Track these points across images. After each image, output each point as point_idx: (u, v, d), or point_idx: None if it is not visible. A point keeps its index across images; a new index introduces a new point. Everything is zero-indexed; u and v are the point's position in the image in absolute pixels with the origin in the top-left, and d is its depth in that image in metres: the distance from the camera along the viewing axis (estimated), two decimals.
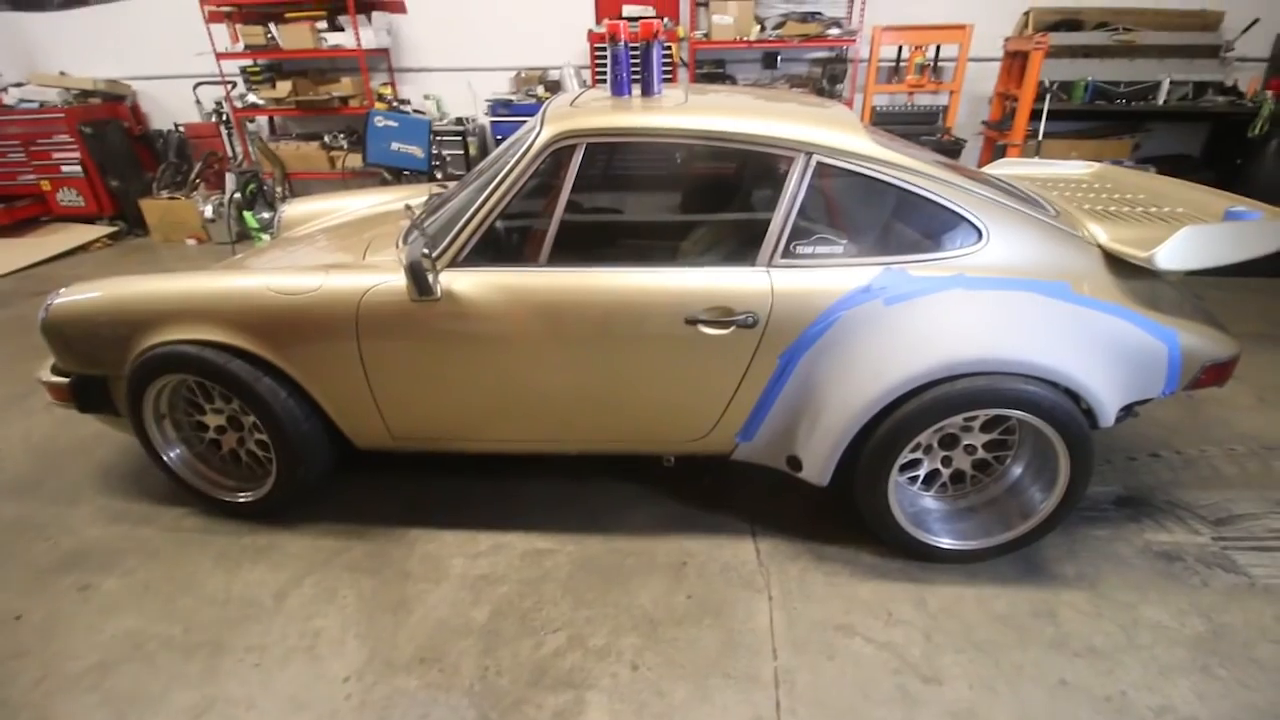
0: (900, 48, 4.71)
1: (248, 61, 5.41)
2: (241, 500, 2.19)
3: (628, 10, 4.89)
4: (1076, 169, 2.82)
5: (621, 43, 1.98)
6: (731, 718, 1.55)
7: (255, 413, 2.01)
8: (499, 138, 4.90)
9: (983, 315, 1.76)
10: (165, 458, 2.17)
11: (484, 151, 5.53)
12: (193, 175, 5.56)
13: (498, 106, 4.76)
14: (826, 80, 4.78)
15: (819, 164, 1.82)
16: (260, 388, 1.97)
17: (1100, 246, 1.91)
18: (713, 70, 5.05)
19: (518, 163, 1.86)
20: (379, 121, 4.48)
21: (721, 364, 1.88)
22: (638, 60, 2.02)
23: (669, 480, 2.34)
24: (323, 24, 5.14)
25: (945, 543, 1.93)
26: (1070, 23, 4.59)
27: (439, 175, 4.85)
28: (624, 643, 1.75)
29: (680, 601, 1.87)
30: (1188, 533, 2.09)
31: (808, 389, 1.87)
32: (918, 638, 1.75)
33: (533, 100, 4.90)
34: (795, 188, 1.82)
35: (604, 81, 4.89)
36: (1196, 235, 1.77)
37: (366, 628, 1.81)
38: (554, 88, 5.07)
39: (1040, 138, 4.57)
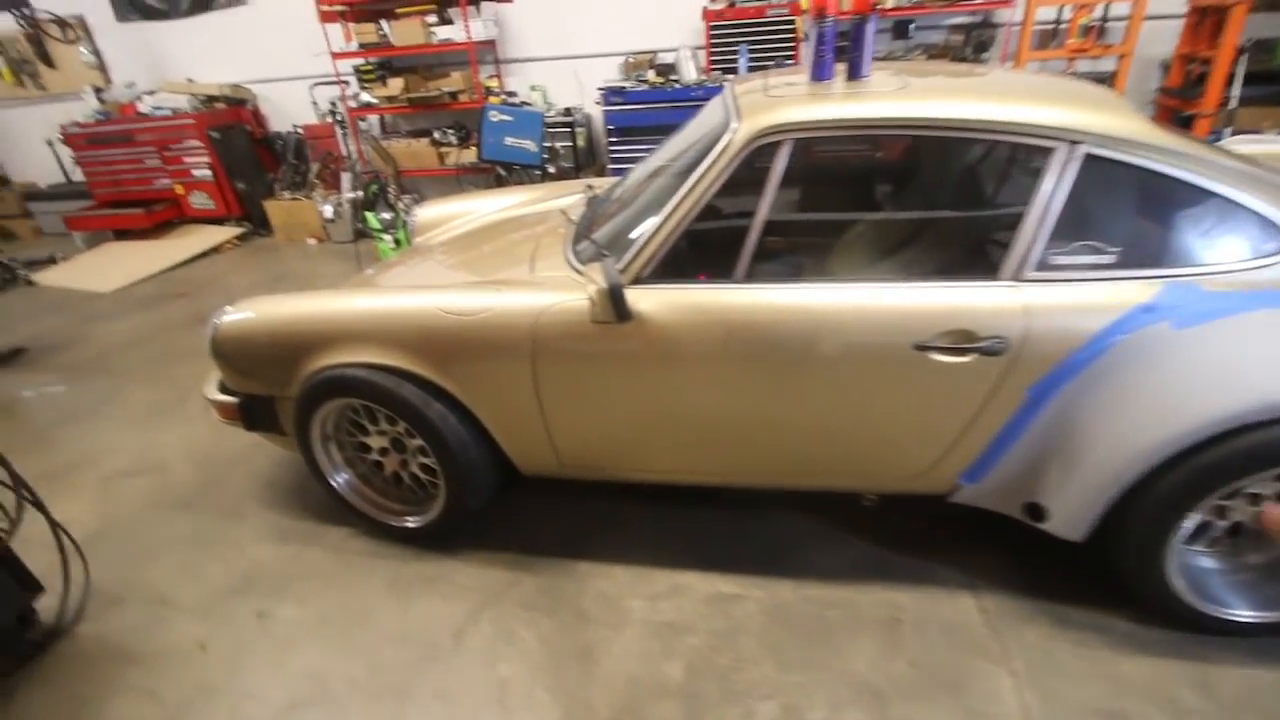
0: (1060, 8, 4.16)
1: (360, 60, 5.44)
2: (410, 525, 2.10)
3: None
4: None
5: (830, 20, 1.71)
6: None
7: (425, 438, 1.90)
8: (610, 128, 4.71)
9: None
10: (333, 482, 2.12)
11: (592, 143, 5.36)
12: (311, 175, 5.68)
13: (610, 95, 4.56)
14: (971, 49, 4.30)
15: (1086, 155, 1.50)
16: (430, 413, 1.85)
17: None
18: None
19: (711, 164, 1.63)
20: (494, 116, 4.37)
21: (954, 395, 1.60)
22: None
23: (852, 516, 2.09)
24: (432, 18, 5.09)
25: (1243, 615, 1.59)
26: None
27: (550, 169, 4.71)
28: (847, 718, 1.53)
29: (902, 669, 1.63)
30: None
31: (1065, 427, 1.56)
32: None
33: (645, 86, 4.67)
34: (1054, 184, 1.51)
35: (722, 65, 4.60)
36: None
37: (554, 679, 1.67)
38: (666, 71, 4.81)
39: (1235, 105, 3.96)
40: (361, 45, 5.23)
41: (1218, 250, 1.52)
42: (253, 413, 2.12)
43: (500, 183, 4.73)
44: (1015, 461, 1.65)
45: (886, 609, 1.79)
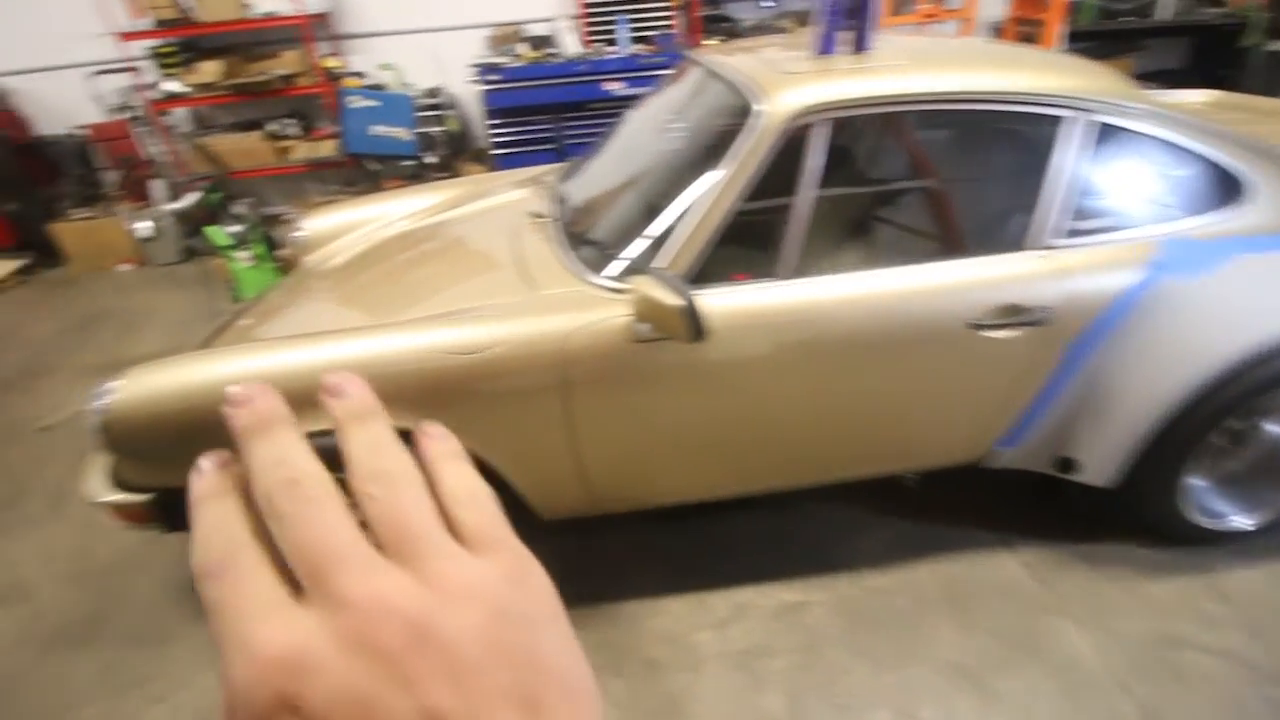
0: None
1: (157, 41, 4.44)
2: None
3: None
4: (1193, 97, 2.70)
5: None
6: None
7: None
8: (490, 109, 4.29)
9: None
10: None
11: (467, 126, 4.88)
12: (110, 187, 4.60)
13: (485, 72, 4.13)
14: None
15: (1097, 123, 1.56)
16: None
17: None
18: (711, 12, 4.60)
19: (750, 150, 1.47)
20: (355, 102, 3.79)
21: (1000, 368, 1.63)
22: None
23: (884, 497, 2.09)
24: None
25: (1236, 522, 1.80)
26: None
27: (428, 159, 4.21)
28: (958, 708, 1.53)
29: (984, 643, 1.66)
30: None
31: (1095, 384, 1.65)
32: (1239, 636, 1.63)
33: (521, 61, 4.29)
34: (1075, 153, 1.56)
35: (603, 38, 4.37)
36: None
37: None
38: (540, 45, 4.46)
39: None
40: (159, 23, 4.27)
41: (1194, 204, 1.66)
42: (175, 509, 1.63)
43: (373, 178, 4.15)
44: (1050, 422, 1.72)
45: (945, 584, 1.82)
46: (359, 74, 4.68)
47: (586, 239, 1.72)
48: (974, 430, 1.74)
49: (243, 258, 3.83)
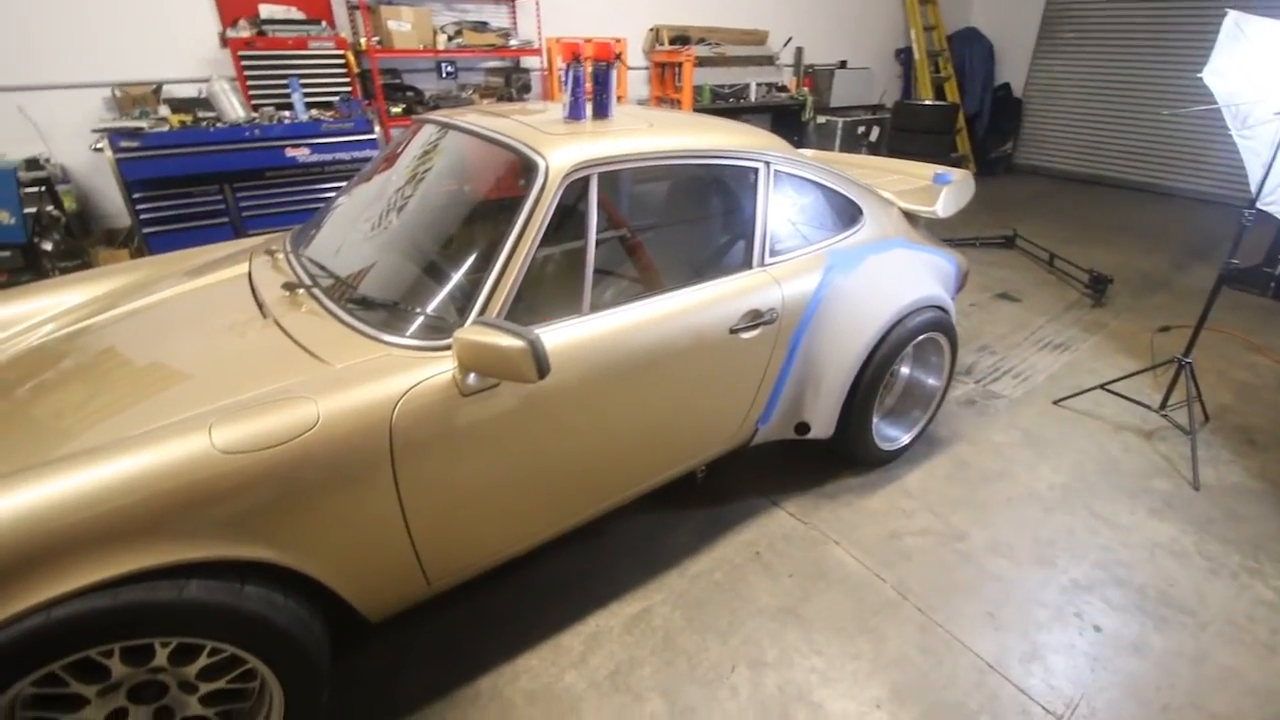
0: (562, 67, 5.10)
1: None
2: None
3: (265, 10, 4.05)
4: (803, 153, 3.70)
5: (581, 64, 1.84)
6: (905, 636, 1.84)
7: (244, 647, 1.29)
8: (130, 180, 3.51)
9: (905, 269, 2.33)
10: None
11: (85, 203, 3.90)
12: None
13: (119, 139, 3.38)
14: (516, 90, 4.87)
15: (776, 171, 2.09)
16: (248, 605, 1.28)
17: (899, 208, 2.69)
18: (390, 81, 4.58)
19: (535, 201, 1.59)
20: None
21: (754, 360, 2.03)
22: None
23: (673, 497, 2.36)
24: None
25: (903, 439, 2.53)
26: (683, 38, 5.69)
27: (46, 245, 3.26)
28: (789, 640, 1.83)
29: (789, 584, 2.01)
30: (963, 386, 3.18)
31: (809, 361, 2.17)
32: (928, 516, 2.30)
33: (167, 127, 3.65)
34: (766, 192, 2.06)
35: (271, 100, 4.00)
36: (950, 192, 2.67)
37: None
38: (187, 108, 3.85)
39: None
40: None
41: (839, 225, 2.33)
42: None
43: None
44: (788, 396, 2.20)
45: (745, 548, 2.15)
46: None
47: (369, 303, 1.62)
48: (743, 416, 2.12)
49: None
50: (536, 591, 1.98)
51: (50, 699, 1.22)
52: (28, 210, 3.13)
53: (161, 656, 1.27)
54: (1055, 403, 3.03)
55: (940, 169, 3.02)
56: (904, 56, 7.80)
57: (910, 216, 2.69)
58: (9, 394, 1.53)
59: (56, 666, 1.16)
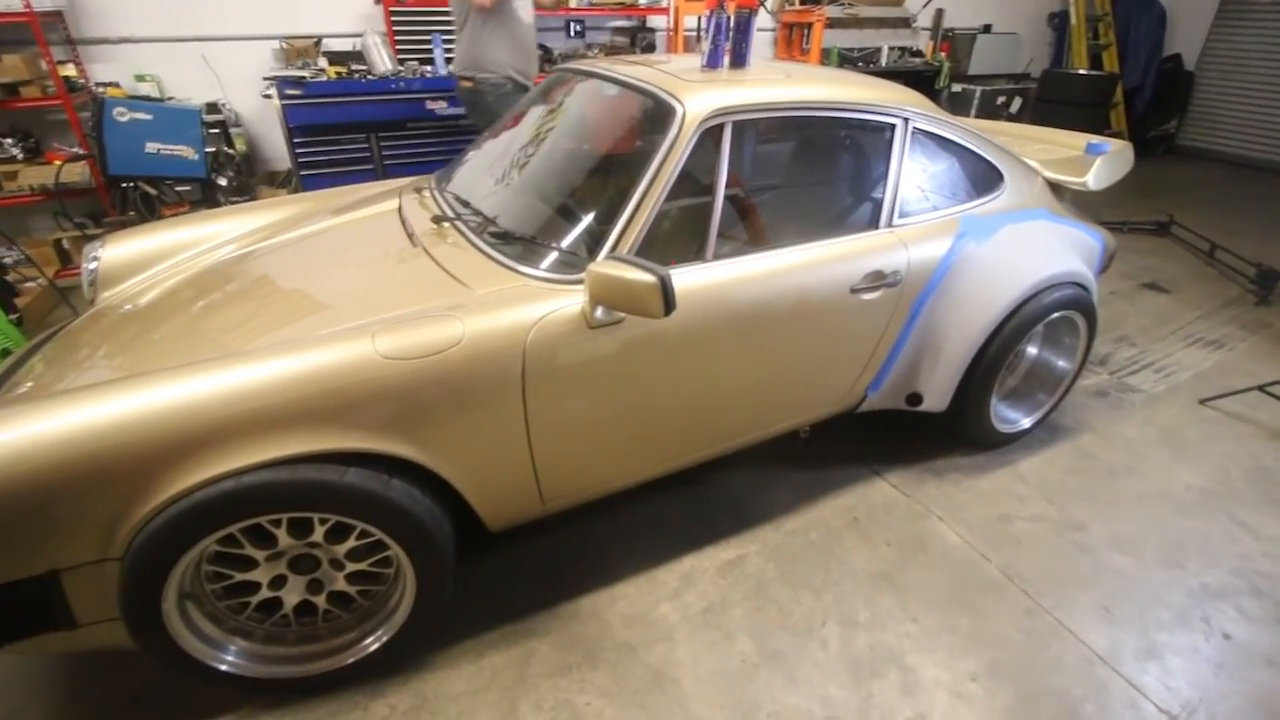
0: (699, 17, 5.04)
1: None
2: (372, 649, 1.58)
3: None
4: None
5: (724, 12, 1.85)
6: (1008, 618, 1.79)
7: (388, 532, 1.46)
8: (292, 125, 3.88)
9: (1045, 241, 2.19)
10: (220, 666, 1.45)
11: (251, 146, 4.34)
12: None
13: (286, 85, 3.74)
14: (640, 49, 4.89)
15: (915, 129, 2.01)
16: (394, 495, 1.43)
17: (1044, 178, 2.50)
18: None
19: (670, 146, 1.63)
20: (122, 115, 3.17)
21: (872, 323, 2.00)
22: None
23: (775, 455, 2.38)
24: None
25: (1023, 423, 2.40)
26: None
27: (222, 180, 3.68)
28: (883, 605, 1.82)
29: (884, 552, 2.00)
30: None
31: (930, 330, 2.10)
32: (1043, 503, 2.19)
33: (325, 77, 3.97)
34: (901, 150, 1.99)
35: (415, 55, 4.24)
36: (1104, 162, 2.45)
37: (649, 714, 1.54)
38: (343, 60, 4.17)
39: None
40: None
41: (976, 190, 2.21)
42: (15, 612, 1.28)
43: (149, 203, 3.49)
44: (902, 365, 2.14)
45: (843, 513, 2.14)
46: (109, 83, 3.93)
47: (509, 237, 1.73)
48: (854, 379, 2.09)
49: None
50: (634, 528, 2.08)
51: (229, 557, 1.44)
52: (208, 149, 3.53)
53: (319, 533, 1.46)
54: (1202, 402, 2.76)
55: (1094, 138, 2.77)
56: (1058, 21, 7.09)
57: (1056, 189, 2.50)
58: (212, 291, 1.78)
59: (237, 528, 1.37)
